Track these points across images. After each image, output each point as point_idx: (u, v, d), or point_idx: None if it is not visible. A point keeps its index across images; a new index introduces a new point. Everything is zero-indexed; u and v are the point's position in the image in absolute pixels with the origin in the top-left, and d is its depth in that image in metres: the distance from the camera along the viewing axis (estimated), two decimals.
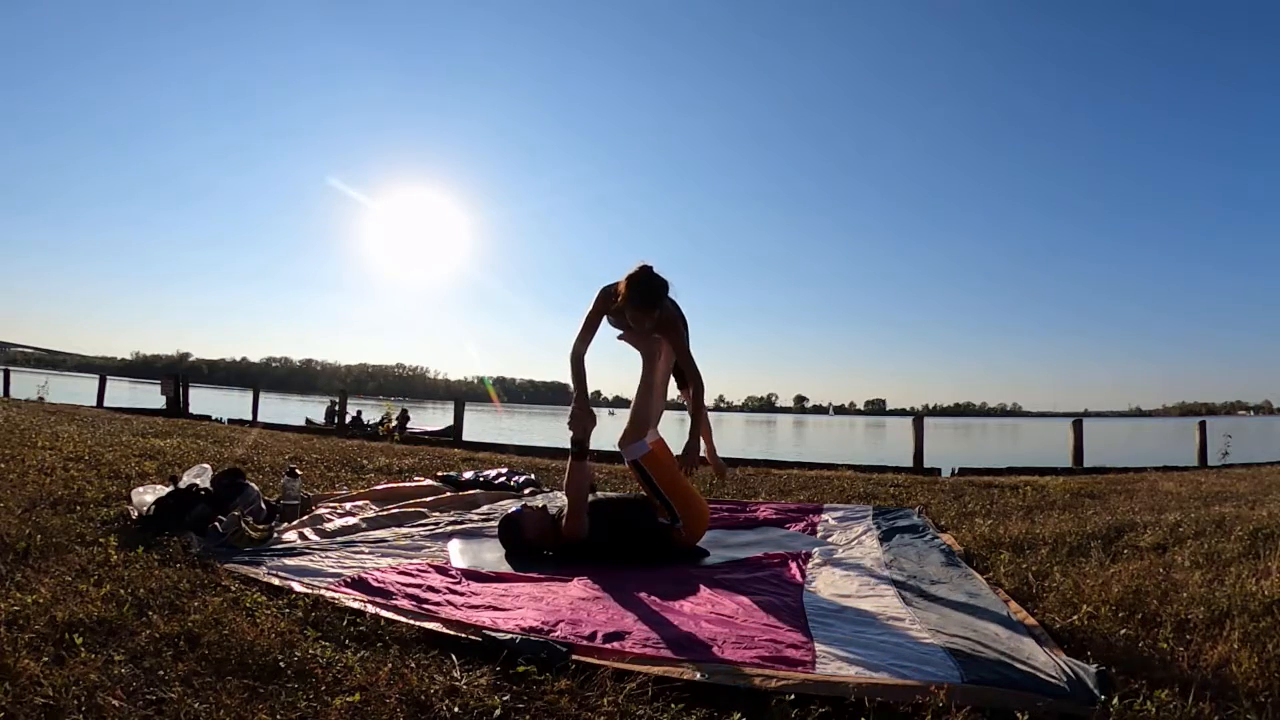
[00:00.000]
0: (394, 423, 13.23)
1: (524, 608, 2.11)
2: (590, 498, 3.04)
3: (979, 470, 8.78)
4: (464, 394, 20.72)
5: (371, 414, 17.48)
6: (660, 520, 2.97)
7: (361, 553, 2.72)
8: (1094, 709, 1.49)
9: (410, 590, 2.21)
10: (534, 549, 2.95)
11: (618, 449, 3.05)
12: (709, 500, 3.73)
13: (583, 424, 2.97)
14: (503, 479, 4.67)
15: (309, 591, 2.15)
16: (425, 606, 2.06)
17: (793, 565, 2.72)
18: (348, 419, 16.68)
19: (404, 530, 3.18)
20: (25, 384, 19.17)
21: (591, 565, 2.72)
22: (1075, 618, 2.07)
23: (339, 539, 2.93)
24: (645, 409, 3.07)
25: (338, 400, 17.59)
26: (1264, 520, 3.53)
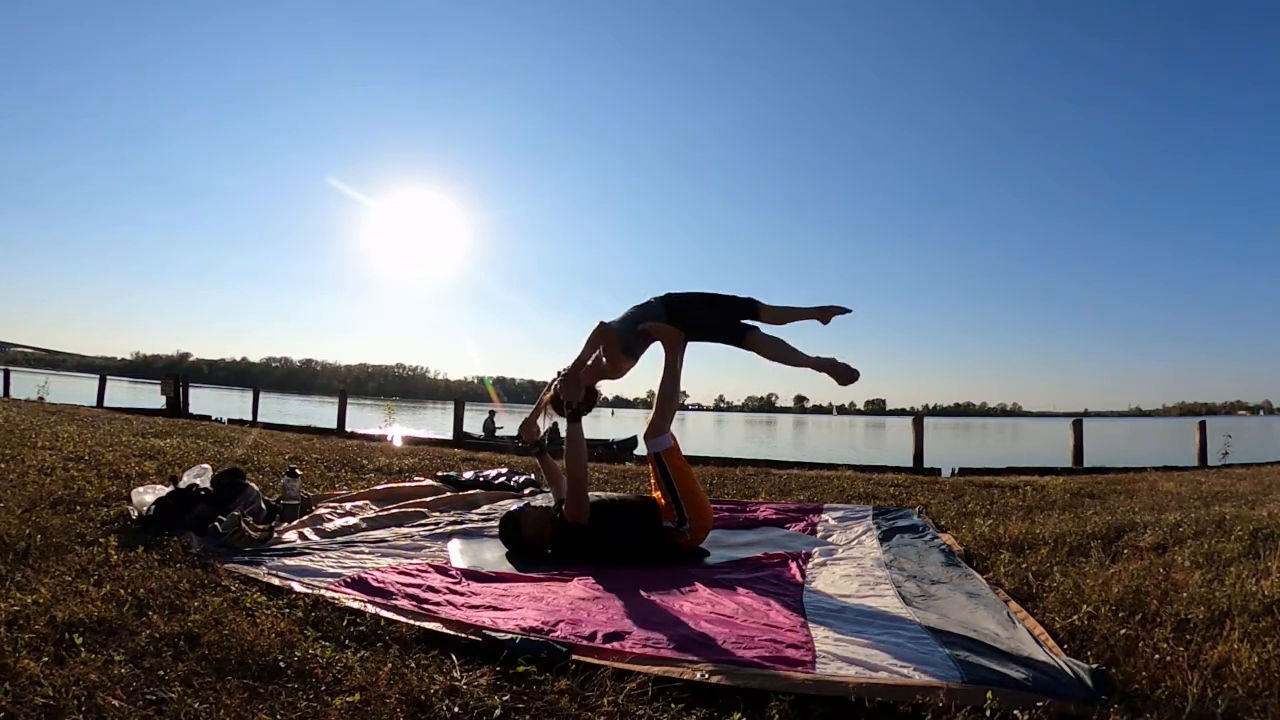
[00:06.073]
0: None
1: (524, 608, 2.11)
2: (592, 497, 3.04)
3: (979, 470, 8.79)
4: (464, 394, 20.58)
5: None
6: (665, 524, 2.97)
7: (361, 553, 2.72)
8: (1094, 709, 1.49)
9: (410, 590, 2.21)
10: (532, 546, 2.95)
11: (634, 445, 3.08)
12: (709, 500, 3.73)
13: (572, 391, 3.07)
14: (503, 479, 4.67)
15: (309, 591, 2.15)
16: (425, 606, 2.07)
17: (793, 565, 2.72)
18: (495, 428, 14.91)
19: (404, 530, 3.18)
20: (25, 384, 19.17)
21: (592, 565, 2.72)
22: (1075, 618, 2.07)
23: (339, 539, 2.93)
24: (671, 401, 3.15)
25: (494, 410, 15.98)
26: (1264, 520, 3.52)
